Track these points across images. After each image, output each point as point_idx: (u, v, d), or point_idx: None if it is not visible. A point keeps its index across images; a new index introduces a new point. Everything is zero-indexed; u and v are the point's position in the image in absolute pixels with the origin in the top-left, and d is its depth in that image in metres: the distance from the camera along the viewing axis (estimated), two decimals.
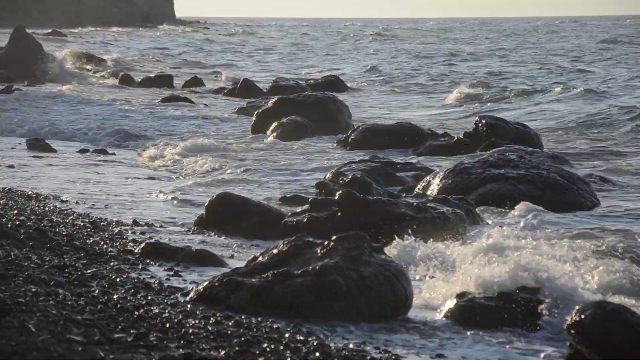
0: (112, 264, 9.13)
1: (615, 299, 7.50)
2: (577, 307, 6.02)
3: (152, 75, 38.43)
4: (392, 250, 9.30)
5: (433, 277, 8.79)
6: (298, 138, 20.17)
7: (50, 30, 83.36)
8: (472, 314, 7.73)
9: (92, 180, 15.49)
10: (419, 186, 13.73)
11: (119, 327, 6.69)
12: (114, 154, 19.30)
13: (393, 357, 6.65)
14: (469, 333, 7.38)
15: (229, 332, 6.86)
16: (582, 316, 5.88)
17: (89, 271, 8.57)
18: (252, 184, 15.11)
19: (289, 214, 11.54)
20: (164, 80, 37.10)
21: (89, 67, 43.98)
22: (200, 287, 8.00)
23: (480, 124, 18.54)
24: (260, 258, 8.32)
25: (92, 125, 23.30)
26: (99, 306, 7.19)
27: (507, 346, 7.08)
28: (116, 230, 11.01)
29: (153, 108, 27.43)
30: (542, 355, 6.79)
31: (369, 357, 6.59)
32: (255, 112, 22.24)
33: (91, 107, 27.87)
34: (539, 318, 7.60)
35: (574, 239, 10.52)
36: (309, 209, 11.36)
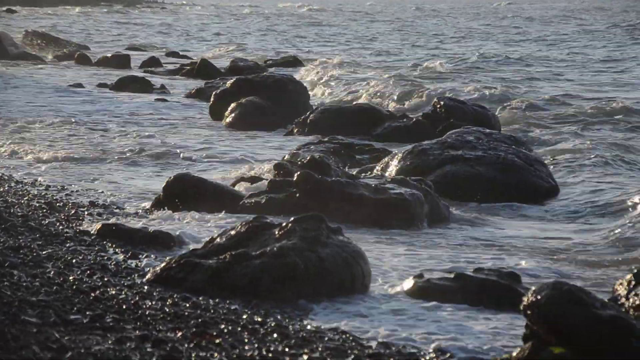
0: (68, 245, 9.05)
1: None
2: (533, 288, 6.06)
3: (108, 55, 38.04)
4: None
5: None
6: (256, 120, 20.08)
7: (5, 9, 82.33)
8: (430, 293, 7.76)
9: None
10: (377, 167, 13.75)
11: (75, 308, 6.64)
12: None
13: (350, 338, 6.66)
14: (426, 311, 7.40)
15: (186, 313, 6.84)
16: (538, 297, 5.92)
17: (44, 252, 8.50)
18: (207, 168, 15.03)
19: (247, 195, 11.50)
20: (121, 60, 36.77)
21: (43, 46, 43.45)
22: (157, 269, 7.96)
23: (438, 106, 18.58)
24: (218, 239, 8.29)
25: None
26: (55, 287, 7.13)
27: (464, 321, 7.11)
28: (72, 211, 10.92)
29: (105, 93, 26.96)
30: (497, 330, 6.84)
31: (326, 338, 6.59)
32: (213, 93, 22.13)
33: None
34: (496, 297, 7.66)
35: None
36: (267, 190, 11.34)
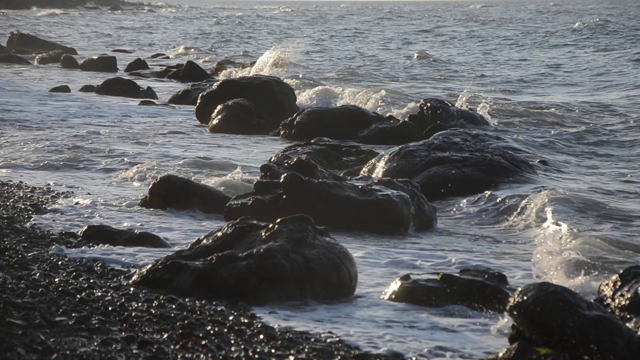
0: (53, 247, 9.02)
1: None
2: (519, 289, 6.06)
3: (94, 57, 37.93)
4: None
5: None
6: (242, 122, 20.05)
7: None
8: (416, 294, 7.76)
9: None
10: (364, 169, 13.76)
11: (60, 310, 6.62)
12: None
13: (337, 339, 6.66)
14: (412, 312, 7.40)
15: (172, 315, 6.82)
16: (524, 297, 5.93)
17: (29, 254, 8.47)
18: (194, 170, 15.00)
19: (233, 196, 11.49)
20: (106, 63, 36.69)
21: (29, 48, 43.29)
22: (144, 270, 7.94)
23: (425, 107, 18.61)
24: (205, 241, 8.28)
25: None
26: (40, 289, 7.10)
27: (452, 322, 7.11)
28: (58, 213, 10.88)
29: (91, 97, 26.84)
30: (484, 331, 6.85)
31: (312, 339, 6.58)
32: (200, 95, 22.11)
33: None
34: (483, 299, 7.67)
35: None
36: (253, 192, 11.32)
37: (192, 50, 41.82)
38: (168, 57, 41.16)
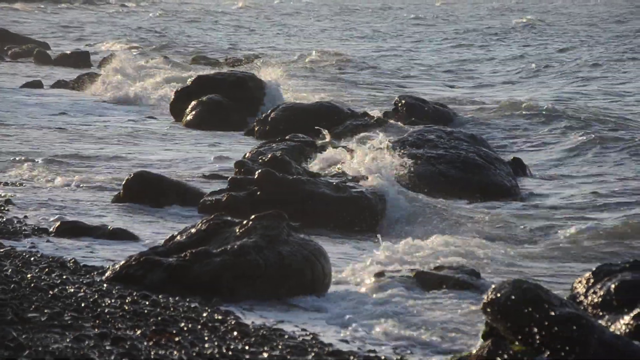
0: (25, 242, 8.96)
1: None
2: (492, 286, 6.08)
3: (67, 52, 37.67)
4: None
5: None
6: (216, 118, 19.99)
7: None
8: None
9: None
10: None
11: (33, 306, 6.58)
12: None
13: (310, 335, 6.65)
14: (386, 309, 7.40)
15: (146, 311, 6.79)
16: (498, 295, 5.94)
17: (1, 250, 8.41)
18: (168, 165, 14.94)
19: (208, 192, 11.46)
20: (80, 58, 36.45)
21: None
22: (117, 267, 7.90)
23: (400, 104, 18.62)
24: (178, 237, 8.25)
25: None
26: (12, 285, 7.05)
27: (424, 319, 7.12)
28: (31, 208, 10.82)
29: (63, 93, 26.52)
30: (457, 328, 6.86)
31: (286, 336, 6.58)
32: (174, 91, 22.03)
33: None
34: (456, 295, 7.70)
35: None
36: (228, 188, 11.30)
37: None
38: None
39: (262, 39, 45.30)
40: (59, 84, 27.01)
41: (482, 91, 26.56)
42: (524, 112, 19.98)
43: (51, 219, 10.24)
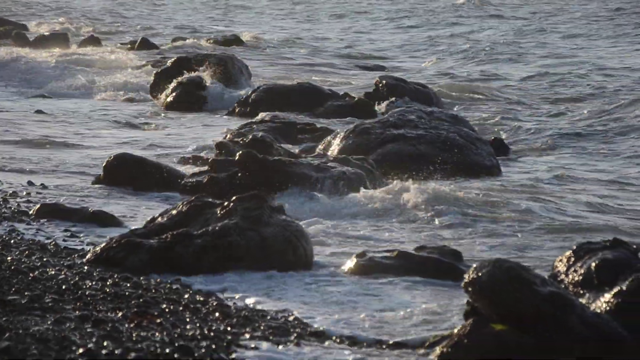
0: (5, 225, 8.92)
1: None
2: (474, 265, 6.09)
3: (46, 34, 37.40)
4: None
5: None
6: (196, 99, 19.90)
7: None
8: (372, 271, 7.77)
9: None
10: (319, 146, 13.73)
11: (13, 289, 6.55)
12: None
13: (293, 316, 6.65)
14: (368, 289, 7.40)
15: (127, 293, 6.77)
16: (479, 274, 5.95)
17: None
18: (148, 147, 14.87)
19: (189, 174, 11.43)
20: (59, 39, 36.20)
21: None
22: (98, 249, 7.87)
23: (380, 85, 18.60)
24: (159, 219, 8.22)
25: None
26: None
27: (406, 299, 7.13)
28: (10, 190, 10.75)
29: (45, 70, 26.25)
30: (439, 308, 6.87)
31: (269, 317, 6.58)
32: (154, 72, 21.92)
33: None
34: (438, 275, 7.71)
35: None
36: (208, 170, 11.26)
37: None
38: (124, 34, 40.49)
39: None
40: None
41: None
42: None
43: (31, 201, 10.19)
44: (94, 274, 7.28)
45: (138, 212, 10.12)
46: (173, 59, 22.02)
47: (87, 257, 7.84)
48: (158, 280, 7.32)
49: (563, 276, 6.80)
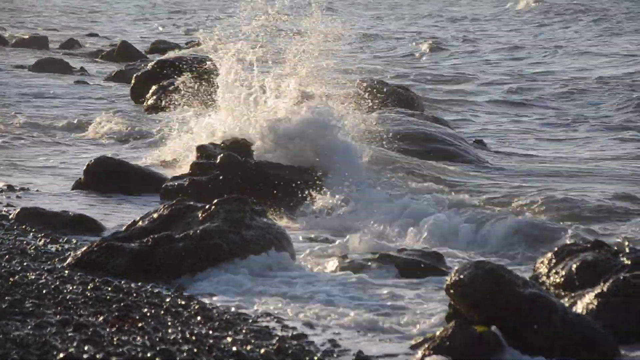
0: None
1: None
2: (456, 267, 6.10)
3: (25, 36, 37.24)
4: None
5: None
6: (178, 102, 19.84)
7: None
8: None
9: None
10: None
11: None
12: None
13: (275, 319, 6.64)
14: (349, 291, 7.39)
15: (108, 297, 6.74)
16: (461, 276, 5.96)
17: None
18: (129, 151, 14.83)
19: (170, 177, 11.40)
20: (38, 42, 36.05)
21: None
22: (78, 253, 7.83)
23: (360, 87, 18.60)
24: (140, 222, 8.20)
25: None
26: None
27: (387, 301, 7.13)
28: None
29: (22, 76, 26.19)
30: (421, 310, 6.88)
31: (250, 320, 6.56)
32: (135, 75, 21.85)
33: None
34: (419, 277, 7.72)
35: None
36: (190, 173, 11.23)
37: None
38: (106, 37, 40.32)
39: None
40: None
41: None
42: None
43: (11, 205, 10.14)
44: (75, 278, 7.24)
45: (119, 215, 10.09)
46: (153, 62, 21.95)
47: (67, 261, 7.80)
48: (139, 284, 7.29)
49: (545, 278, 6.83)
